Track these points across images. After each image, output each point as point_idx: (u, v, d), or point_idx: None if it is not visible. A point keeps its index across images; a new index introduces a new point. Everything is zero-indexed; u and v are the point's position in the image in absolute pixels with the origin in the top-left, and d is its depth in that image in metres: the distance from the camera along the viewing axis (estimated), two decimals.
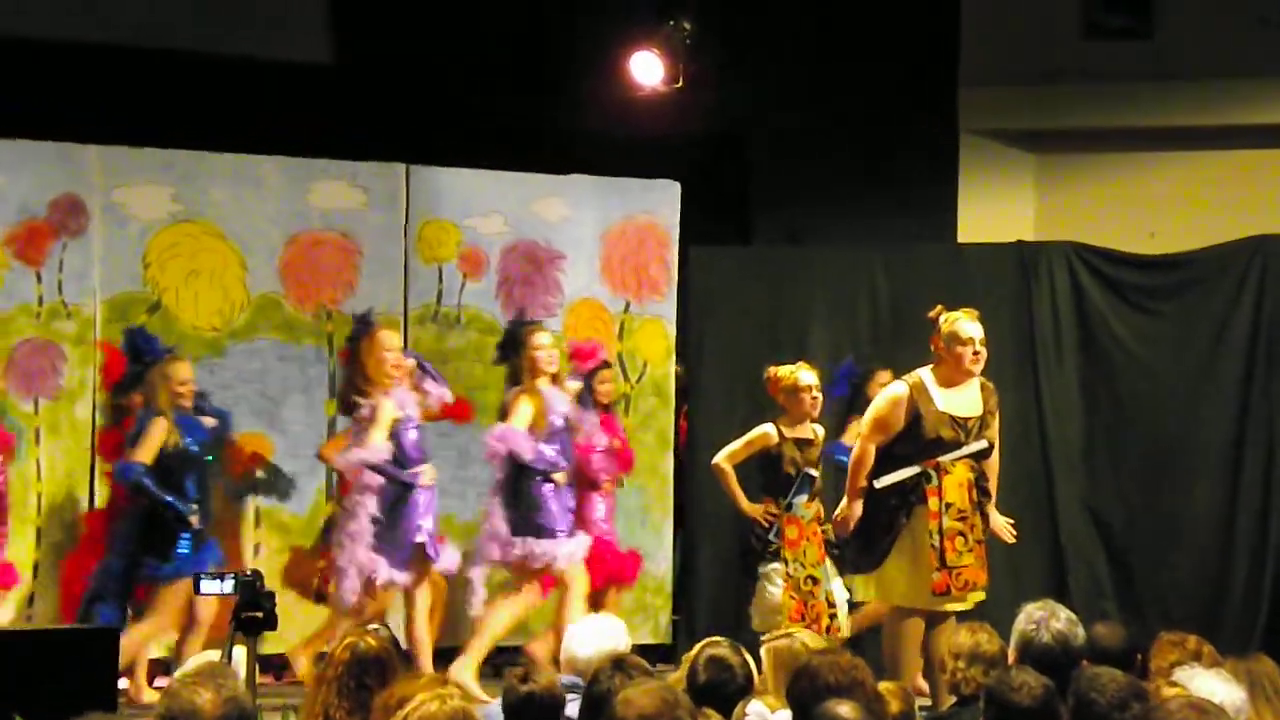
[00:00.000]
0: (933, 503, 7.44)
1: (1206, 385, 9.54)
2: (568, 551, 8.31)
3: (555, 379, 8.42)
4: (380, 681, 5.01)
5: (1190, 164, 10.24)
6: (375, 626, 5.66)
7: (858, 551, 7.69)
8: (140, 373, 8.25)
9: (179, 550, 8.03)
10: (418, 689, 4.36)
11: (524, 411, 8.28)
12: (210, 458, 8.30)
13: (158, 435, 8.05)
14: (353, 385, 8.32)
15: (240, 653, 5.60)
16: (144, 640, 8.15)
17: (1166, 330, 9.64)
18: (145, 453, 8.03)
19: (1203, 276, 9.64)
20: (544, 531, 8.24)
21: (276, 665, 8.84)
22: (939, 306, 7.73)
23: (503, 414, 8.42)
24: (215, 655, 5.41)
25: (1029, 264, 9.73)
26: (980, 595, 7.59)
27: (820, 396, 8.09)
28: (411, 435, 8.28)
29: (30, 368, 8.60)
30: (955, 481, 7.47)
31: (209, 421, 8.39)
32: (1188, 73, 9.99)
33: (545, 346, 8.37)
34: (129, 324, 8.84)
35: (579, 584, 8.36)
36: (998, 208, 10.39)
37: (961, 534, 7.48)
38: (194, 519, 8.05)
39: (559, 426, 8.33)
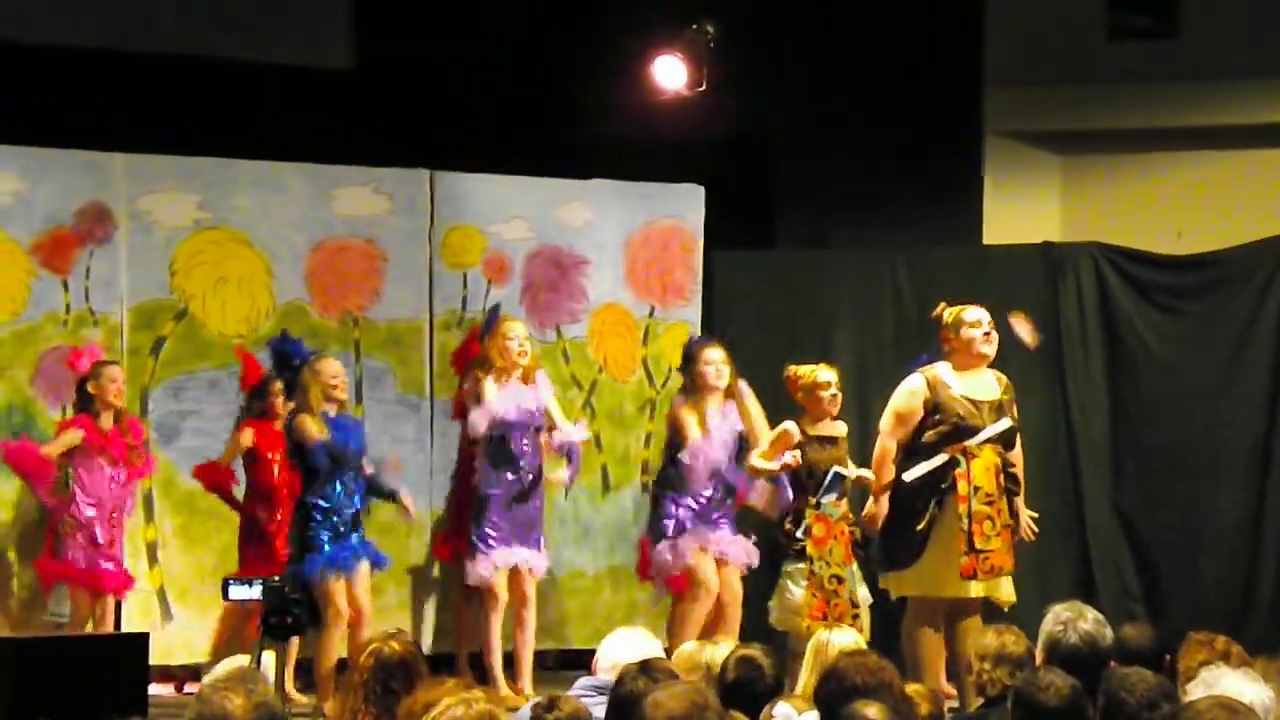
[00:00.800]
0: (961, 486, 7.45)
1: (1233, 385, 9.51)
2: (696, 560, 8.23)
3: (727, 394, 8.29)
4: (405, 686, 5.02)
5: (1216, 164, 10.20)
6: (397, 630, 5.68)
7: (892, 548, 7.68)
8: (290, 379, 8.13)
9: (319, 550, 7.90)
10: (443, 693, 4.36)
11: (691, 426, 8.22)
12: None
13: (311, 433, 7.94)
14: (473, 371, 8.39)
15: (269, 657, 5.62)
16: (331, 646, 7.97)
17: (1193, 330, 9.62)
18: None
19: (1229, 276, 9.61)
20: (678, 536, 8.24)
21: (307, 670, 8.85)
22: (941, 305, 7.76)
23: (672, 430, 8.39)
24: (245, 660, 5.43)
25: (1055, 265, 9.72)
26: (1008, 583, 7.57)
27: (839, 395, 8.07)
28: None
29: (58, 376, 8.63)
30: (982, 466, 7.49)
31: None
32: (1212, 72, 9.95)
33: (715, 363, 8.27)
34: (156, 332, 8.89)
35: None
36: (1023, 209, 10.35)
37: (989, 518, 7.48)
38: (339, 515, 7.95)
39: (722, 442, 8.24)
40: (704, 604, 8.24)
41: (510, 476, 8.37)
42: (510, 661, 8.52)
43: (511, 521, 8.37)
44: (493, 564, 8.33)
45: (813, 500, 7.88)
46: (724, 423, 8.29)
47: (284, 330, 8.57)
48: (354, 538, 8.00)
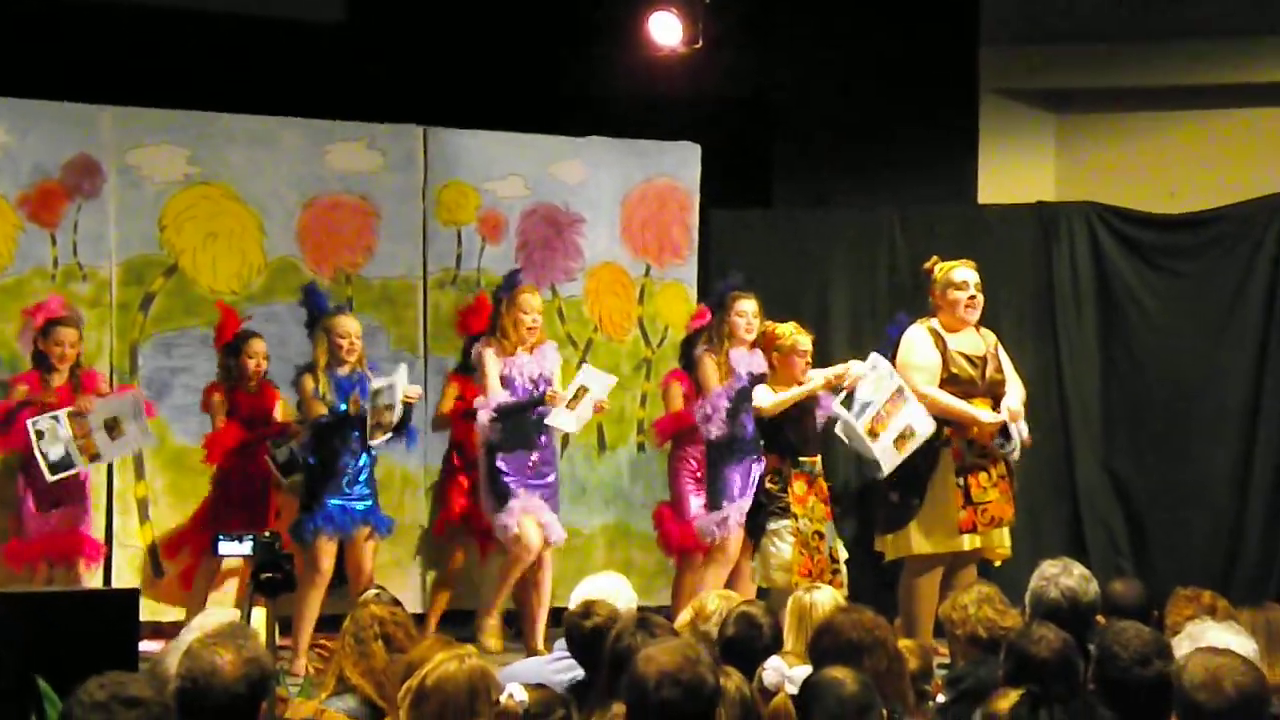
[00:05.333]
0: (955, 441, 7.45)
1: (1224, 343, 9.52)
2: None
3: (753, 347, 8.23)
4: (392, 644, 5.04)
5: (1211, 122, 10.17)
6: (377, 591, 5.67)
7: (890, 508, 7.67)
8: (310, 333, 8.14)
9: (318, 509, 7.95)
10: (431, 649, 4.37)
11: (711, 374, 8.28)
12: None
13: (305, 395, 7.99)
14: (487, 335, 8.31)
15: (259, 614, 5.60)
16: (309, 601, 7.97)
17: (1186, 290, 9.61)
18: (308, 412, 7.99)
19: (1222, 236, 9.61)
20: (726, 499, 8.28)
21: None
22: (934, 258, 7.75)
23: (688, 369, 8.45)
24: (225, 611, 5.41)
25: (1049, 224, 9.71)
26: (1005, 535, 7.57)
27: (811, 363, 8.04)
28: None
29: None
30: None
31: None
32: (1208, 31, 9.91)
33: (747, 314, 8.26)
34: (146, 287, 8.84)
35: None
36: (1018, 168, 10.32)
37: (984, 469, 7.48)
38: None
39: (745, 383, 8.17)
40: (725, 568, 8.27)
41: (524, 453, 8.28)
42: (513, 619, 8.61)
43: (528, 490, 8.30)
44: (514, 517, 8.24)
45: (788, 460, 7.82)
46: (743, 370, 8.24)
47: (313, 281, 8.52)
48: (361, 504, 8.00)
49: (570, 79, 9.77)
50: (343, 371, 8.03)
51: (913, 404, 7.46)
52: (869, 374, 7.55)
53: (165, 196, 8.92)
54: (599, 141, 9.81)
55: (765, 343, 7.98)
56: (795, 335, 7.92)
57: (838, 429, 7.59)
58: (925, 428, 7.45)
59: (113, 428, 8.09)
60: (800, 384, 7.75)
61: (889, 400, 7.47)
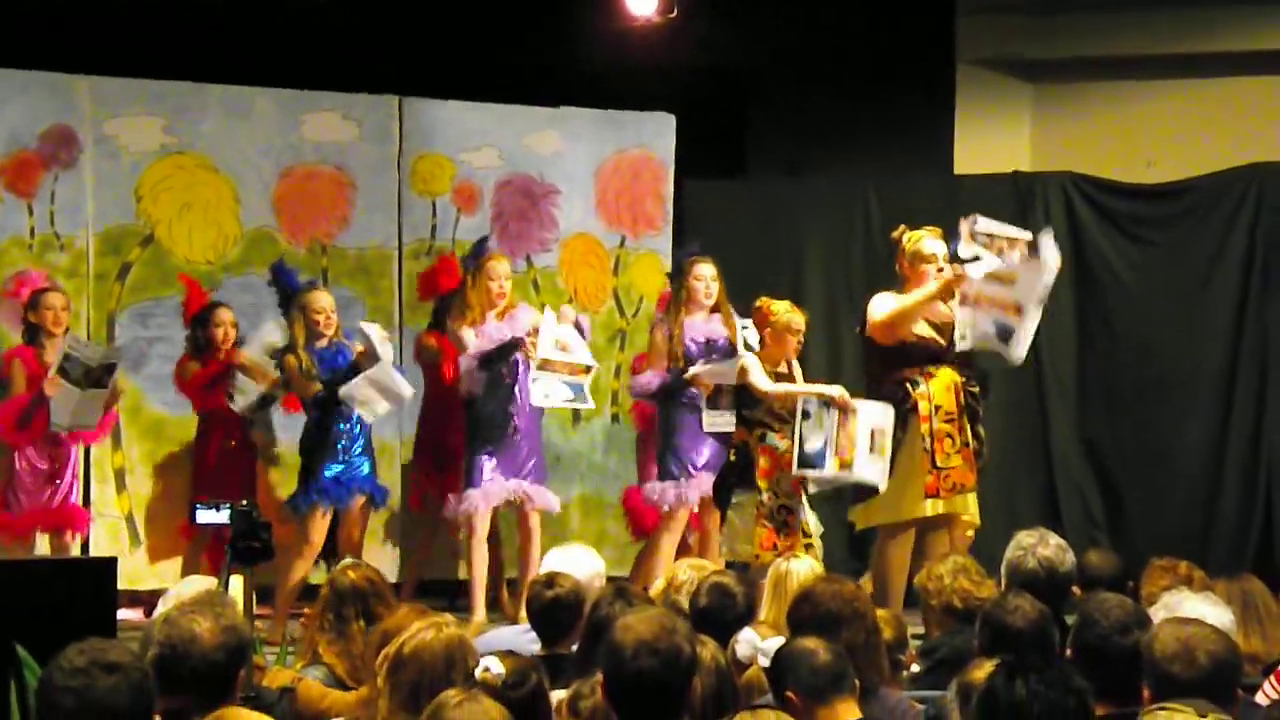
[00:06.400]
0: (923, 406, 7.48)
1: (1201, 314, 9.56)
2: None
3: (714, 310, 8.27)
4: (364, 614, 5.06)
5: (1187, 92, 10.19)
6: (353, 561, 5.68)
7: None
8: (284, 312, 8.12)
9: (313, 480, 7.97)
10: (407, 618, 4.38)
11: (659, 348, 8.32)
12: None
13: (293, 376, 8.00)
14: (455, 308, 8.28)
15: (237, 582, 5.61)
16: (294, 571, 7.98)
17: (1162, 260, 9.65)
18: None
19: (1198, 206, 9.64)
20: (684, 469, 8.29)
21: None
22: (901, 227, 7.76)
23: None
24: (203, 580, 5.43)
25: (1025, 194, 9.73)
26: (973, 502, 7.60)
27: (803, 342, 8.05)
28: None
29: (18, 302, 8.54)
30: (942, 385, 7.52)
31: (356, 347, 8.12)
32: (1184, 0, 9.94)
33: (705, 279, 8.26)
34: (122, 257, 8.82)
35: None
36: (994, 138, 10.34)
37: (949, 435, 7.52)
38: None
39: (693, 353, 8.20)
40: (675, 534, 8.29)
41: (504, 418, 8.26)
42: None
43: (509, 458, 8.31)
44: (485, 499, 8.26)
45: (756, 433, 7.83)
46: (691, 334, 8.24)
47: (281, 258, 8.50)
48: (356, 471, 8.01)
49: (545, 49, 9.75)
50: (321, 344, 8.04)
51: (862, 408, 7.47)
52: (804, 423, 7.56)
53: (142, 166, 8.91)
54: (573, 112, 9.80)
55: (759, 318, 7.94)
56: (790, 314, 7.88)
57: (810, 489, 7.64)
58: (886, 417, 7.47)
59: (89, 374, 8.04)
60: (789, 361, 7.77)
61: (838, 427, 7.48)
